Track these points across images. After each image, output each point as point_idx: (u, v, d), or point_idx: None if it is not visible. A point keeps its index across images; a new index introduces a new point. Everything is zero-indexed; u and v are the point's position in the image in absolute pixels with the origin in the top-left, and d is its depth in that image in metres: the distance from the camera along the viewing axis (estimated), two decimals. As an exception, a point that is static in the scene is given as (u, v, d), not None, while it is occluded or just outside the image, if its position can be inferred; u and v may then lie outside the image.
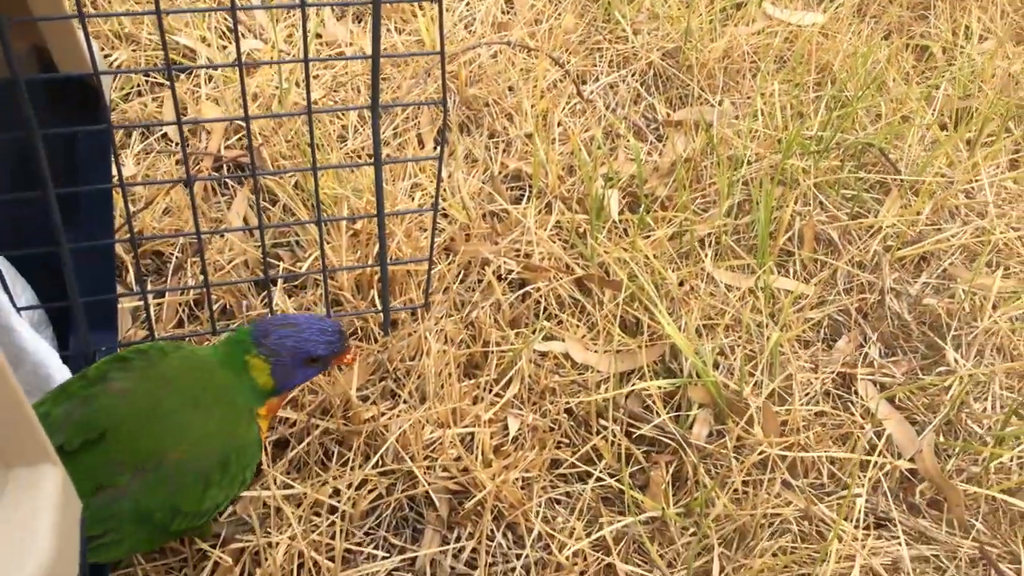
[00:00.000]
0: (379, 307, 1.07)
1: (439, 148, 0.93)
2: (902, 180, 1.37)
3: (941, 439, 1.08)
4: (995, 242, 1.29)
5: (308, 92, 0.83)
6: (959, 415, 1.10)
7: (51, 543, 0.48)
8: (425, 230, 1.20)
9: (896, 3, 1.83)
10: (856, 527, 0.99)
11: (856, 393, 1.13)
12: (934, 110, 1.53)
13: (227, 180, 1.23)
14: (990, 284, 1.22)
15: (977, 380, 1.13)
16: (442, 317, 1.10)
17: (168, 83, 1.37)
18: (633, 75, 1.55)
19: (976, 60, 1.70)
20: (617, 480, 1.00)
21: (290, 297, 1.10)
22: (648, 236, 1.25)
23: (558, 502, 1.01)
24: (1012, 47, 1.79)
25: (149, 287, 1.10)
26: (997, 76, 1.66)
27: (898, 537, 0.98)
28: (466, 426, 1.02)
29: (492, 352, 1.07)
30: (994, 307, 1.21)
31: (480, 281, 1.15)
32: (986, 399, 1.12)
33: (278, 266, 1.14)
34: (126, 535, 0.74)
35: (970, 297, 1.22)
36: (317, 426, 0.99)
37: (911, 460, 1.04)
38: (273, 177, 1.21)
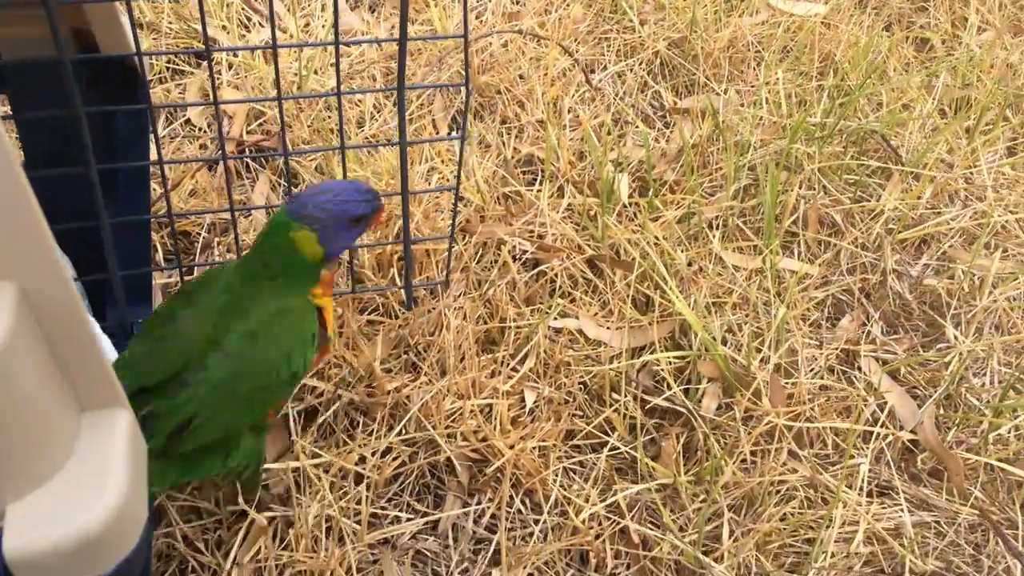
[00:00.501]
0: (400, 284, 1.11)
1: (462, 128, 0.96)
2: (903, 165, 1.41)
3: (941, 412, 1.12)
4: (993, 225, 1.34)
5: (338, 73, 0.86)
6: (959, 389, 1.14)
7: (124, 481, 0.51)
8: (442, 211, 1.24)
9: (896, -5, 1.86)
10: (860, 494, 1.03)
11: (859, 368, 1.17)
12: (934, 98, 1.56)
13: (250, 162, 1.27)
14: (988, 265, 1.26)
15: (976, 356, 1.17)
16: (460, 295, 1.14)
17: (199, 65, 1.41)
18: (640, 64, 1.59)
19: (975, 50, 1.74)
20: (632, 449, 1.04)
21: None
22: (657, 219, 1.29)
23: (573, 471, 1.05)
24: (1010, 38, 1.83)
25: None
26: (995, 66, 1.70)
27: (900, 504, 1.02)
28: (485, 398, 1.05)
29: (509, 328, 1.11)
30: (993, 287, 1.25)
31: (496, 261, 1.19)
32: (984, 374, 1.16)
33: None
34: (214, 413, 0.78)
35: (969, 277, 1.27)
36: (340, 397, 1.03)
37: (912, 431, 1.08)
38: (296, 159, 1.25)
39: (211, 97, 1.35)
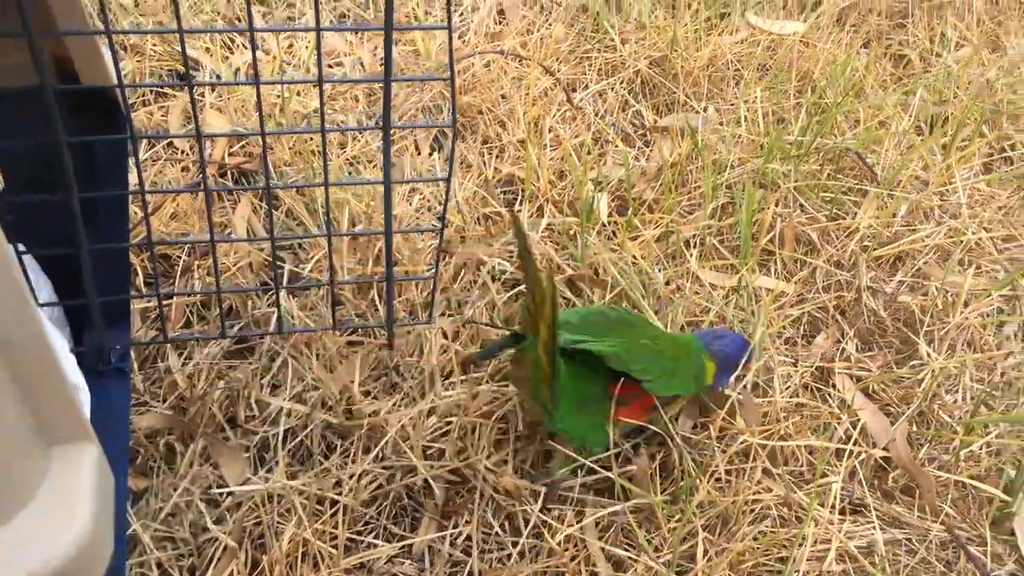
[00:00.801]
0: (382, 311, 1.12)
1: (448, 168, 0.97)
2: (878, 183, 1.43)
3: (914, 429, 1.13)
4: (967, 242, 1.35)
5: (322, 116, 0.87)
6: (931, 406, 1.15)
7: (90, 515, 0.52)
8: (423, 233, 1.25)
9: (875, 12, 1.89)
10: (833, 512, 1.04)
11: (833, 386, 1.18)
12: (910, 115, 1.59)
13: (231, 185, 1.28)
14: (962, 282, 1.28)
15: (948, 373, 1.19)
16: (440, 315, 1.15)
17: (183, 88, 1.42)
18: (621, 83, 1.61)
19: (952, 67, 1.76)
20: (608, 469, 1.05)
21: (293, 297, 1.15)
22: (636, 237, 1.31)
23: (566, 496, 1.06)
24: (987, 54, 1.86)
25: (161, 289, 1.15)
26: (973, 82, 1.72)
27: (872, 522, 1.03)
28: (467, 419, 1.06)
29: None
30: (965, 304, 1.27)
31: (475, 281, 1.21)
32: (957, 391, 1.17)
33: (283, 267, 1.19)
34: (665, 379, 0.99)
35: (943, 294, 1.28)
36: (317, 420, 1.04)
37: (885, 449, 1.10)
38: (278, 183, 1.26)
39: (193, 123, 1.36)
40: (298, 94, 1.41)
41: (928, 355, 1.19)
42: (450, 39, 0.83)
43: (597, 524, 1.03)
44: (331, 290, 1.00)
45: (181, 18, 0.81)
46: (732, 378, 1.10)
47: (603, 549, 0.99)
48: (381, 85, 1.43)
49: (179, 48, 1.47)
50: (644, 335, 1.02)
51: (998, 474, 1.09)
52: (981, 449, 1.11)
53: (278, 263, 1.20)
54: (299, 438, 1.03)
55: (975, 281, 1.29)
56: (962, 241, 1.35)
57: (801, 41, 1.74)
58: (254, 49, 0.81)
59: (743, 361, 1.09)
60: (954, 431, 1.12)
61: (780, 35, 1.73)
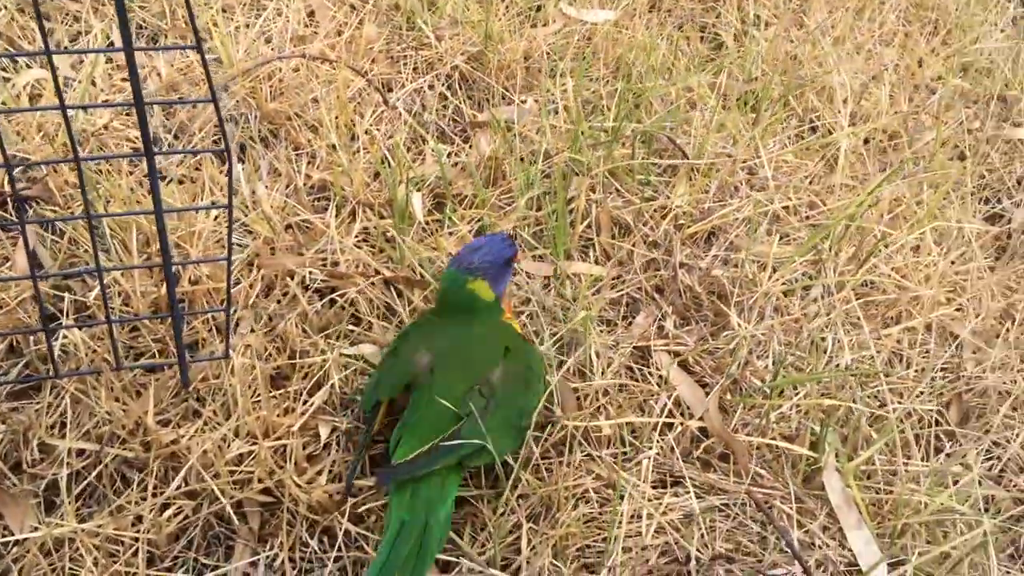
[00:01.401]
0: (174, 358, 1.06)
1: (228, 195, 0.91)
2: (688, 161, 1.47)
3: (729, 397, 1.17)
4: (772, 212, 1.41)
5: (73, 145, 0.81)
6: (744, 373, 1.19)
7: None
8: (224, 249, 1.19)
9: (686, -3, 1.95)
10: (654, 487, 1.06)
11: (654, 363, 1.20)
12: (719, 94, 1.64)
13: (12, 210, 1.18)
14: (768, 251, 1.33)
15: (758, 340, 1.23)
16: (248, 332, 1.10)
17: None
18: (439, 79, 1.60)
19: (762, 45, 1.83)
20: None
21: (81, 329, 1.07)
22: (453, 234, 1.29)
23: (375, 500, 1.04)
24: (795, 31, 1.95)
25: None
26: (779, 59, 1.80)
27: (689, 492, 1.05)
28: (278, 438, 1.02)
29: (297, 363, 1.08)
30: (774, 270, 1.32)
31: (286, 293, 1.16)
32: (767, 356, 1.22)
33: (67, 296, 1.11)
34: (499, 442, 0.97)
35: (752, 265, 1.33)
36: (110, 455, 0.97)
37: (701, 419, 1.13)
38: (56, 209, 1.18)
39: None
40: (85, 110, 1.32)
41: (739, 324, 1.23)
42: (203, 59, 0.78)
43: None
44: (110, 329, 0.93)
45: None
46: (510, 280, 1.14)
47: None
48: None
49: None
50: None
51: (809, 433, 1.14)
52: (791, 410, 1.16)
53: (65, 293, 1.12)
54: (91, 477, 0.96)
55: (781, 249, 1.35)
56: (767, 212, 1.40)
57: (615, 28, 1.77)
58: (55, 73, 0.74)
59: (510, 256, 1.10)
60: (766, 396, 1.16)
61: (594, 23, 1.76)
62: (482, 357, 1.03)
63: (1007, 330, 1.34)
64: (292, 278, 1.16)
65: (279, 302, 1.15)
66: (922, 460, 1.16)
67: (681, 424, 1.11)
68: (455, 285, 1.07)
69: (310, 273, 1.17)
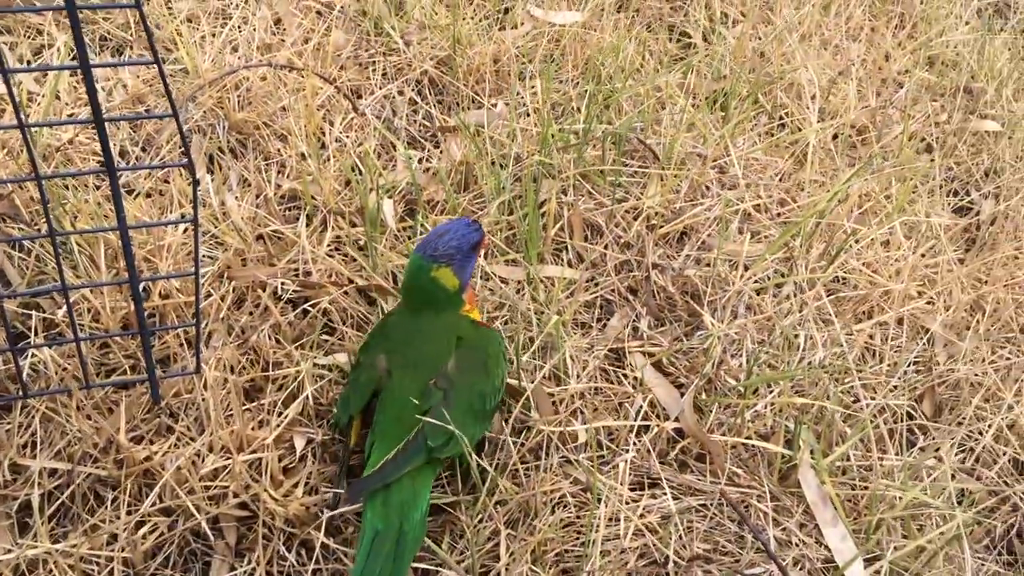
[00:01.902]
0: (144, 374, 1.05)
1: (194, 211, 0.90)
2: (659, 162, 1.48)
3: (704, 397, 1.18)
4: (744, 210, 1.42)
5: (33, 162, 0.80)
6: (718, 372, 1.20)
7: None
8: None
9: (654, -4, 1.95)
10: (632, 490, 1.07)
11: (629, 365, 1.21)
12: (688, 93, 1.65)
13: (-25, 232, 1.17)
14: (739, 250, 1.34)
15: (732, 338, 1.24)
16: (220, 345, 1.09)
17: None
18: (408, 85, 1.59)
19: (730, 43, 1.84)
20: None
21: (50, 347, 1.06)
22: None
23: (357, 512, 1.03)
24: (763, 28, 1.96)
25: None
26: (747, 56, 1.81)
27: (667, 493, 1.06)
28: (253, 451, 1.02)
29: (271, 375, 1.07)
30: (746, 268, 1.33)
31: (259, 305, 1.16)
32: (741, 355, 1.23)
33: (35, 314, 1.10)
34: (466, 430, 0.97)
35: (724, 264, 1.34)
36: (82, 474, 0.96)
37: (676, 420, 1.13)
38: (25, 228, 1.16)
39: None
40: (50, 126, 1.31)
41: (712, 324, 1.24)
42: (162, 73, 0.78)
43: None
44: (78, 347, 0.92)
45: None
46: (475, 266, 1.11)
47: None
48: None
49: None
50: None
51: (783, 431, 1.15)
52: (766, 408, 1.17)
53: (33, 311, 1.10)
54: (64, 497, 0.95)
55: (753, 248, 1.36)
56: (738, 210, 1.41)
57: (584, 29, 1.77)
58: (11, 91, 0.73)
59: (476, 242, 1.07)
60: (739, 394, 1.17)
61: (562, 25, 1.76)
62: (434, 351, 1.03)
63: (977, 321, 1.36)
64: (264, 289, 1.15)
65: (251, 314, 1.14)
66: (896, 454, 1.17)
67: (657, 426, 1.12)
68: (420, 272, 1.05)
69: (282, 284, 1.17)
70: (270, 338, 1.11)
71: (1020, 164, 1.63)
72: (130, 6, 0.81)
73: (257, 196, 1.30)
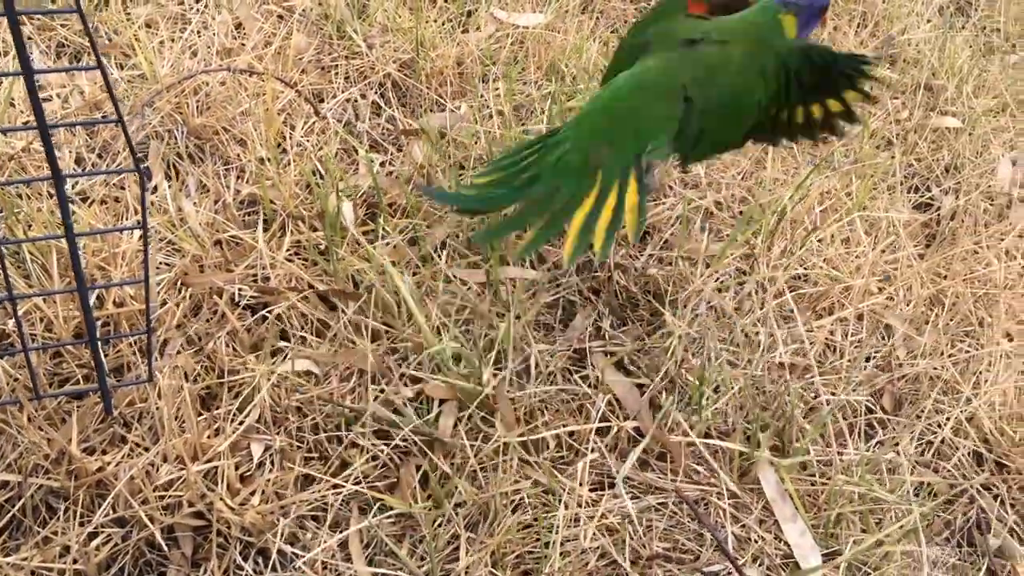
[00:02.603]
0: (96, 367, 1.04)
1: (142, 218, 0.89)
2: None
3: (665, 395, 1.18)
4: (706, 208, 1.42)
5: None
6: (680, 371, 1.20)
7: None
8: (155, 264, 1.17)
9: (618, -2, 1.96)
10: (592, 490, 1.07)
11: (592, 366, 1.21)
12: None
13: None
14: (700, 248, 1.34)
15: (693, 338, 1.24)
16: (175, 353, 1.08)
17: None
18: (371, 88, 1.58)
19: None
20: (368, 485, 1.03)
21: (1, 358, 1.05)
22: (388, 244, 1.29)
23: (315, 518, 1.03)
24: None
25: None
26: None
27: (630, 493, 1.06)
28: (208, 460, 1.01)
29: (225, 382, 1.06)
30: (707, 266, 1.33)
31: (216, 311, 1.15)
32: (702, 353, 1.23)
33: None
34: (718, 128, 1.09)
35: (685, 262, 1.34)
36: (34, 485, 0.95)
37: (636, 419, 1.13)
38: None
39: None
40: (4, 134, 1.29)
41: (673, 323, 1.24)
42: (106, 80, 0.77)
43: (362, 541, 1.00)
44: (27, 357, 0.91)
45: None
46: (812, 31, 1.15)
47: (365, 565, 0.96)
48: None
49: None
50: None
51: (743, 428, 1.15)
52: (726, 405, 1.17)
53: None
54: (14, 509, 0.94)
55: (714, 246, 1.36)
56: (700, 209, 1.42)
57: (548, 31, 1.77)
58: None
59: (825, 6, 1.12)
60: (700, 392, 1.17)
61: (525, 27, 1.76)
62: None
63: (936, 315, 1.37)
64: (221, 296, 1.14)
65: (208, 321, 1.13)
66: (855, 449, 1.18)
67: (617, 426, 1.12)
68: (766, 11, 1.11)
69: (240, 290, 1.16)
70: (227, 345, 1.10)
71: (979, 160, 1.64)
72: (70, 11, 0.80)
73: (215, 202, 1.29)
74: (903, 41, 1.89)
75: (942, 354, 1.31)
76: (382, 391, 1.09)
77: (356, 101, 1.56)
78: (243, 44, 1.60)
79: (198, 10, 1.62)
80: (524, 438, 1.08)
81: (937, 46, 1.89)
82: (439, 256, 1.27)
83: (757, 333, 1.26)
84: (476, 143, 1.47)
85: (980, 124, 1.70)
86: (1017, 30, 2.03)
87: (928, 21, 1.97)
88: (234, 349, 1.10)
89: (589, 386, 1.17)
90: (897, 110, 1.72)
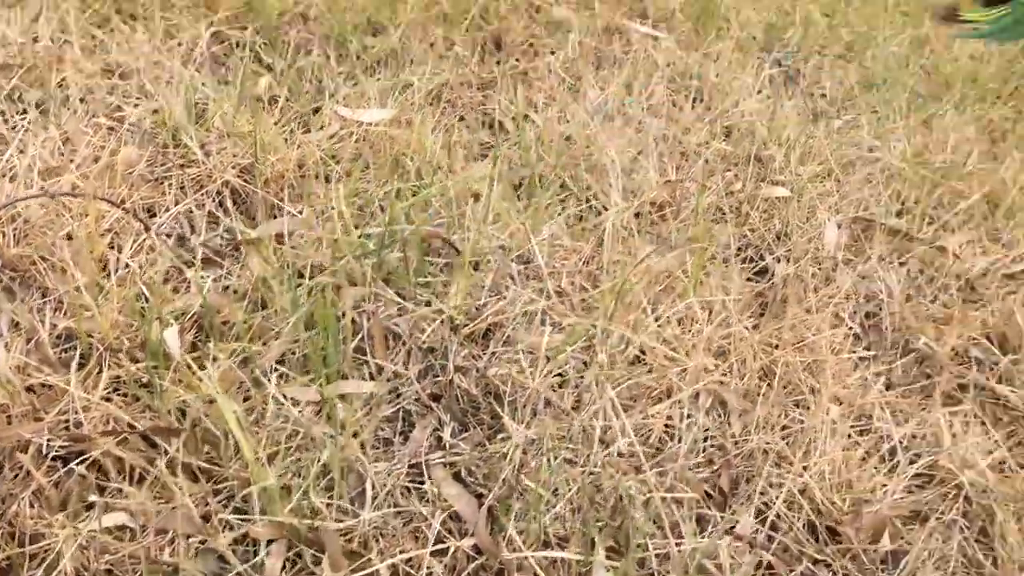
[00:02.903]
0: None
1: None
2: (463, 257, 1.49)
3: (502, 506, 1.17)
4: (546, 301, 1.44)
5: None
6: (519, 476, 1.20)
7: None
8: (-47, 423, 1.11)
9: (464, 85, 1.99)
10: (429, 616, 1.05)
11: (430, 478, 1.20)
12: (497, 182, 1.67)
13: None
14: (539, 342, 1.35)
15: (531, 439, 1.25)
16: (-23, 517, 1.02)
17: None
18: (208, 197, 1.56)
19: (540, 128, 1.89)
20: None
21: None
22: (219, 368, 1.25)
23: None
24: (572, 109, 2.02)
25: None
26: (555, 140, 1.86)
27: (464, 615, 1.04)
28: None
29: (27, 551, 1.01)
30: (548, 360, 1.35)
31: (21, 468, 1.09)
32: (541, 455, 1.24)
33: None
34: None
35: (527, 359, 1.35)
36: None
37: (472, 535, 1.12)
38: None
39: None
40: None
41: (512, 426, 1.25)
42: None
43: None
44: None
45: None
46: None
47: None
48: None
49: None
50: None
51: (581, 532, 1.15)
52: (564, 509, 1.18)
53: None
54: None
55: (553, 339, 1.38)
56: (541, 302, 1.43)
57: (394, 125, 1.78)
58: None
59: None
60: (538, 497, 1.17)
61: (370, 123, 1.77)
62: None
63: (769, 386, 1.41)
64: (26, 451, 1.09)
65: (13, 480, 1.07)
66: (695, 535, 1.20)
67: (454, 546, 1.11)
68: None
69: (48, 440, 1.10)
70: (32, 506, 1.04)
71: (807, 225, 1.72)
72: None
73: (28, 341, 1.24)
74: (736, 112, 1.98)
75: (773, 428, 1.35)
76: (203, 542, 1.05)
77: (191, 212, 1.53)
78: (71, 161, 1.55)
79: (23, 128, 1.57)
80: (352, 563, 1.05)
81: (767, 115, 1.99)
82: (271, 377, 1.24)
83: (594, 427, 1.27)
84: (317, 249, 1.46)
85: (807, 190, 1.79)
86: (842, 94, 2.16)
87: (759, 91, 2.07)
88: (40, 509, 1.05)
89: (427, 502, 1.16)
90: (730, 182, 1.79)
